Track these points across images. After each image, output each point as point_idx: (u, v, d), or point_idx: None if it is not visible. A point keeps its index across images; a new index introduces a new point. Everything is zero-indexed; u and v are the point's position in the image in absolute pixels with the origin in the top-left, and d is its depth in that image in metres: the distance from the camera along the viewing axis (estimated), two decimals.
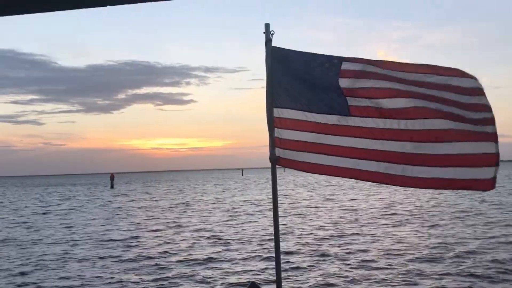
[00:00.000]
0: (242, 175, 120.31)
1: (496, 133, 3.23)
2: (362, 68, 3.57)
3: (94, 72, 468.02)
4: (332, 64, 3.67)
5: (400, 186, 3.58)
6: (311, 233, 15.45)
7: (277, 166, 3.80)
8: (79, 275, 10.54)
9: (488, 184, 3.21)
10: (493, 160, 3.19)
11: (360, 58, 3.64)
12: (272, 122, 3.79)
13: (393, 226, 16.50)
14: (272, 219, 3.83)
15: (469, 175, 3.24)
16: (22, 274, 10.97)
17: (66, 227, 19.89)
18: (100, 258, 12.48)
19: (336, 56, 3.70)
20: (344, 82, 3.58)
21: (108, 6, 2.34)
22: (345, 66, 3.61)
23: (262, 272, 10.27)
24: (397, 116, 3.47)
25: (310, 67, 3.75)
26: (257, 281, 9.07)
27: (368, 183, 4.16)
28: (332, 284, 9.09)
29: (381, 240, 13.79)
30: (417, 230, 15.38)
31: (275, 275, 3.86)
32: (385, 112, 3.50)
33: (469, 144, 3.24)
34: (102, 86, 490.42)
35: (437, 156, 3.33)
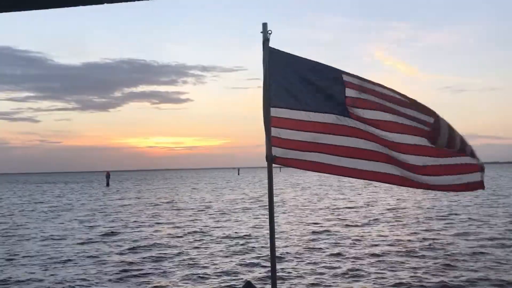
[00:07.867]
0: (238, 174, 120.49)
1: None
2: (361, 84, 3.69)
3: (90, 69, 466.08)
4: (333, 72, 3.77)
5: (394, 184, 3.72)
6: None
7: (273, 165, 3.81)
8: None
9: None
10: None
11: (357, 76, 3.76)
12: (269, 122, 3.79)
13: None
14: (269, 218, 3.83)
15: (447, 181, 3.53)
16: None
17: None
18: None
19: (334, 68, 3.81)
20: (349, 92, 3.68)
21: (105, 4, 2.33)
22: (346, 78, 3.72)
23: (259, 270, 10.29)
24: (393, 129, 3.60)
25: (310, 70, 3.82)
26: (253, 280, 9.09)
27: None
28: (327, 282, 9.12)
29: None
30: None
31: (270, 273, 3.87)
32: (383, 125, 3.62)
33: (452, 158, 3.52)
34: (98, 84, 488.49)
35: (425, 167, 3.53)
